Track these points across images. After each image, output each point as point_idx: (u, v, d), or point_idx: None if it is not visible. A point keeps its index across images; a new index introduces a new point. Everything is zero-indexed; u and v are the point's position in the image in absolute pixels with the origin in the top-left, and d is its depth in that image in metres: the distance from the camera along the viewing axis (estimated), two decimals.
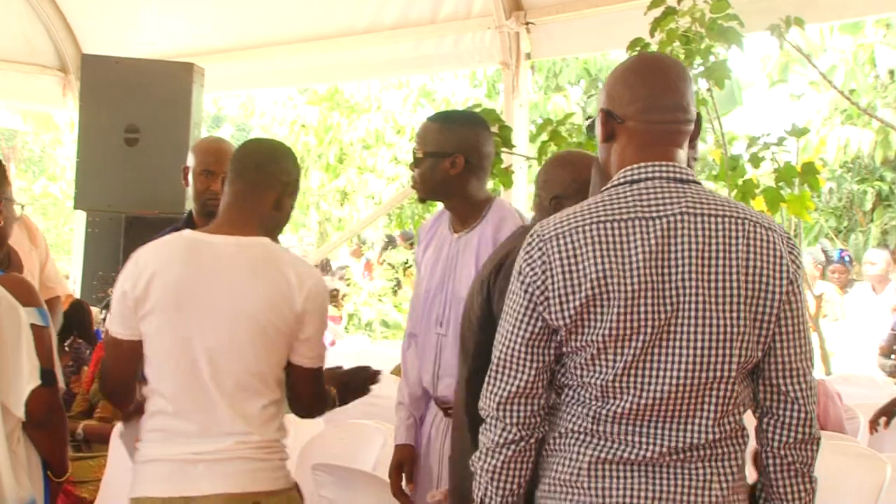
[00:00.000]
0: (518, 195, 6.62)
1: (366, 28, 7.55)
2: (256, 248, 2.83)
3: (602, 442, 2.23)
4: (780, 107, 12.64)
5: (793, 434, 2.26)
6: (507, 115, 6.65)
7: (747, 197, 5.24)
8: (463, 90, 13.89)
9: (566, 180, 3.02)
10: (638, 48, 5.41)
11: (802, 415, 2.24)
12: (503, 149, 5.55)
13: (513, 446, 2.29)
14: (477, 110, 5.35)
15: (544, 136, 5.57)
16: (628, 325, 2.17)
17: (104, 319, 5.63)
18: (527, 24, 6.84)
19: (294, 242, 13.80)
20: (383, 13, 7.47)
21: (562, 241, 2.21)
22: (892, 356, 7.43)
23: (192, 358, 2.77)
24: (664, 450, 2.20)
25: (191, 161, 3.87)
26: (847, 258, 9.91)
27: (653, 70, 2.35)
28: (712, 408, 2.20)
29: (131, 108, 6.64)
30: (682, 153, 2.32)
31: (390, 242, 13.24)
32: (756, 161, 5.34)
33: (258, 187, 2.89)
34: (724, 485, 2.22)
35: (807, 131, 5.74)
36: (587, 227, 2.20)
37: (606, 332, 2.18)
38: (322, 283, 2.92)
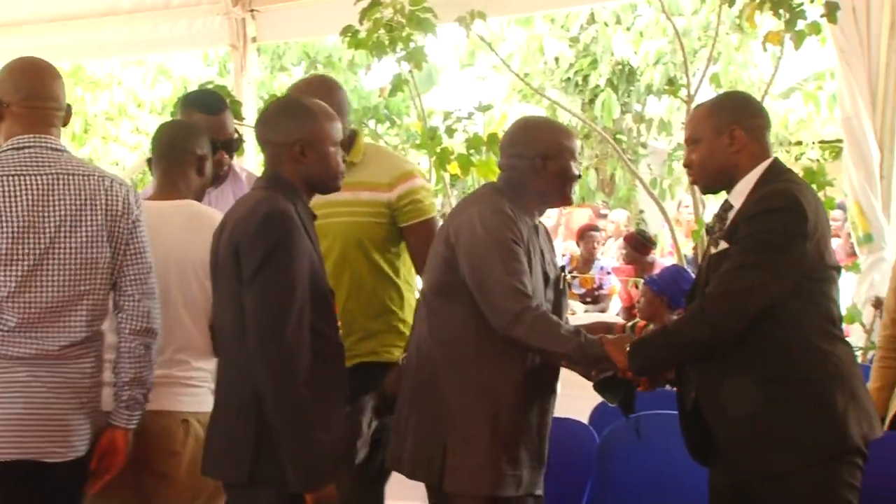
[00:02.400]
0: (248, 161, 6.49)
1: (105, 11, 7.08)
2: (184, 208, 3.03)
3: None
4: (469, 87, 12.95)
5: (130, 324, 2.72)
6: (237, 92, 6.45)
7: (444, 162, 5.36)
8: (197, 69, 13.37)
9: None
10: (349, 34, 5.42)
11: (134, 311, 2.72)
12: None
13: None
14: (210, 87, 5.26)
15: None
16: (15, 253, 2.60)
17: None
18: (252, 10, 6.64)
19: None
20: None
21: None
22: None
23: None
24: (46, 351, 2.62)
25: None
26: None
27: (33, 69, 2.75)
28: (83, 314, 2.66)
29: None
30: (57, 131, 2.74)
31: None
32: (451, 132, 5.49)
33: (176, 162, 3.06)
34: (88, 380, 2.69)
35: (491, 107, 5.98)
36: None
37: None
38: None
